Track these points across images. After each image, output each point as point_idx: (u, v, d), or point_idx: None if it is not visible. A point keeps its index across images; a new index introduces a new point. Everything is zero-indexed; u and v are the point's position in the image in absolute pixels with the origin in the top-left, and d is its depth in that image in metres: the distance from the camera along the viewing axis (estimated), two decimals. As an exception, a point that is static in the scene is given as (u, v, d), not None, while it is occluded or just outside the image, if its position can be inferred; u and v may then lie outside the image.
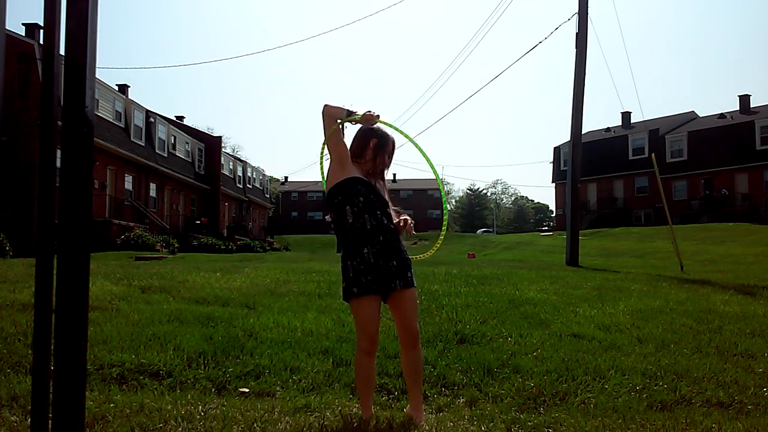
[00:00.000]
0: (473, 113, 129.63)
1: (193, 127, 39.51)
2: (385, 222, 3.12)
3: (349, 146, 3.27)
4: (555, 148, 47.03)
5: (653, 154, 14.14)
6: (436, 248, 3.45)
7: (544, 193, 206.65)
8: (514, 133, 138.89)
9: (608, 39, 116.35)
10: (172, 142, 31.94)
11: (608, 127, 47.50)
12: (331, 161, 3.24)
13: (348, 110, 3.19)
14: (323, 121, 3.20)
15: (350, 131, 3.28)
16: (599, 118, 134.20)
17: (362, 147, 3.27)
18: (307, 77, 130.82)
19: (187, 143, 34.23)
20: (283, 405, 3.32)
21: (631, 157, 42.51)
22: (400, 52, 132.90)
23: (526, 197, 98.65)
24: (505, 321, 5.38)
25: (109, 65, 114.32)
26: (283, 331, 4.76)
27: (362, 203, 3.09)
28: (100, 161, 23.83)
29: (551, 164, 48.04)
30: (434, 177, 3.54)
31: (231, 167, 40.75)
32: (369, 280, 3.04)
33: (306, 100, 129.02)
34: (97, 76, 1.88)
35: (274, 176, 68.22)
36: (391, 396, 3.65)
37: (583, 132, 15.01)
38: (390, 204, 3.26)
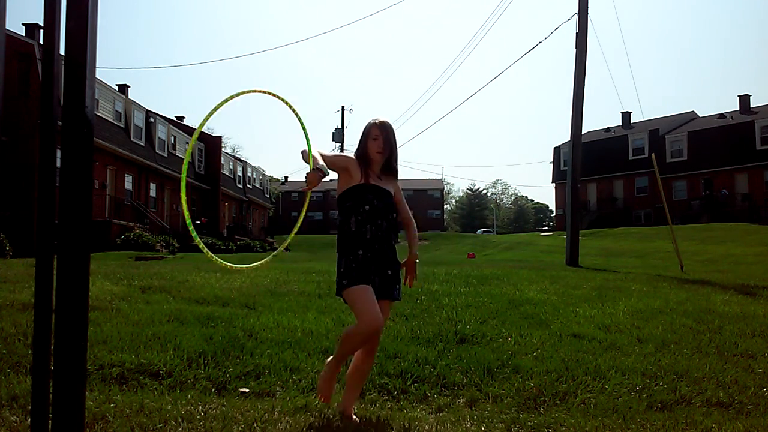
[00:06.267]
0: (473, 113, 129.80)
1: (194, 127, 39.52)
2: (385, 228, 3.12)
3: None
4: (555, 148, 47.03)
5: (653, 154, 14.15)
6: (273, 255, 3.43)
7: (544, 193, 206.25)
8: (514, 134, 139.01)
9: (608, 39, 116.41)
10: (172, 142, 31.96)
11: (608, 127, 47.48)
12: (339, 176, 3.24)
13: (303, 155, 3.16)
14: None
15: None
16: (599, 118, 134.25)
17: (361, 147, 3.26)
18: (307, 77, 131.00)
19: (187, 143, 34.21)
20: (283, 405, 3.32)
21: (631, 157, 42.49)
22: (400, 53, 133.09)
23: (526, 197, 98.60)
24: (505, 321, 5.38)
25: (109, 65, 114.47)
26: (283, 331, 4.76)
27: (367, 212, 3.10)
28: (100, 161, 23.83)
29: (551, 164, 48.04)
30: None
31: (231, 167, 40.75)
32: (361, 274, 3.04)
33: (306, 99, 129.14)
34: (97, 76, 1.88)
35: (274, 176, 68.21)
36: (391, 396, 3.65)
37: (583, 132, 15.02)
38: (399, 205, 3.27)
